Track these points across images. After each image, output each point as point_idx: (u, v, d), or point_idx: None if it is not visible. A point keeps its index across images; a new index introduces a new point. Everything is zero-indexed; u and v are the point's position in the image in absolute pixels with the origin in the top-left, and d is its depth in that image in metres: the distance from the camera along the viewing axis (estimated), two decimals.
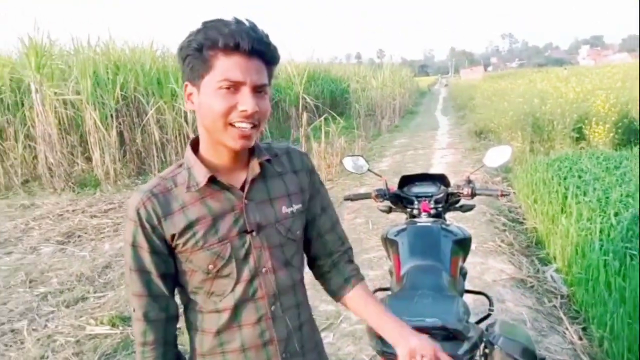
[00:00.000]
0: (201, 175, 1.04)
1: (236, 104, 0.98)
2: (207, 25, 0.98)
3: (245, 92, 0.98)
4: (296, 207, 1.14)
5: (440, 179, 2.18)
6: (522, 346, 1.44)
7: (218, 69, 0.97)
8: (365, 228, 5.18)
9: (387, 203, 2.17)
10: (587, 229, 3.68)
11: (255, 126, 1.01)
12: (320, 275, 1.28)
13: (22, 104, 8.36)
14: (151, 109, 8.38)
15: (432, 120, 18.21)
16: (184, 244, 1.04)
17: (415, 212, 2.07)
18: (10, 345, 3.17)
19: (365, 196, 2.17)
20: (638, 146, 6.87)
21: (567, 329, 2.99)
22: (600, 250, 3.32)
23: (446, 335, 1.40)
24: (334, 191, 7.01)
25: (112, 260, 4.61)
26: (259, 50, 0.98)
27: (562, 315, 3.16)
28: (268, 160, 1.12)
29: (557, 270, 3.78)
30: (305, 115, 9.39)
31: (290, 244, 1.13)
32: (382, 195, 2.12)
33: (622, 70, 16.37)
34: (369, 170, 2.27)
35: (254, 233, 1.07)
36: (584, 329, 3.00)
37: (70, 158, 8.20)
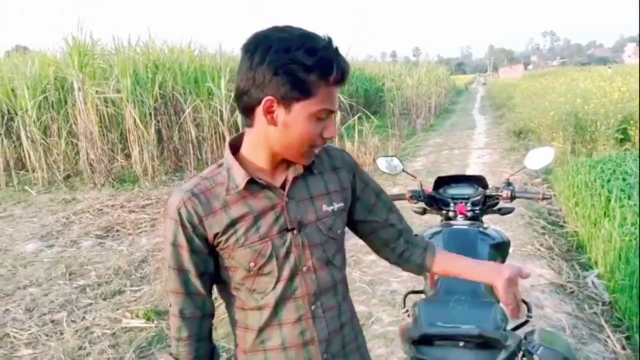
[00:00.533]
0: (240, 178, 1.04)
1: (322, 130, 1.02)
2: (313, 46, 0.95)
3: (331, 119, 1.03)
4: (337, 205, 1.14)
5: (477, 181, 2.13)
6: (562, 357, 1.39)
7: (319, 97, 0.98)
8: None
9: (422, 204, 2.13)
10: (632, 233, 3.53)
11: None
12: (398, 258, 1.29)
13: (66, 102, 8.63)
14: (188, 108, 8.52)
15: (469, 120, 17.88)
16: (226, 241, 1.04)
17: (450, 214, 2.03)
18: (51, 336, 3.28)
19: (399, 197, 2.13)
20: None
21: (608, 337, 2.88)
22: None
23: (483, 343, 1.36)
24: None
25: (149, 255, 4.71)
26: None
27: (603, 322, 3.05)
28: None
29: (598, 276, 3.65)
30: (338, 114, 9.36)
31: (331, 243, 1.12)
32: (416, 196, 2.08)
33: None
34: (403, 170, 2.23)
35: (294, 231, 1.06)
36: (627, 337, 2.87)
37: (110, 154, 8.42)
